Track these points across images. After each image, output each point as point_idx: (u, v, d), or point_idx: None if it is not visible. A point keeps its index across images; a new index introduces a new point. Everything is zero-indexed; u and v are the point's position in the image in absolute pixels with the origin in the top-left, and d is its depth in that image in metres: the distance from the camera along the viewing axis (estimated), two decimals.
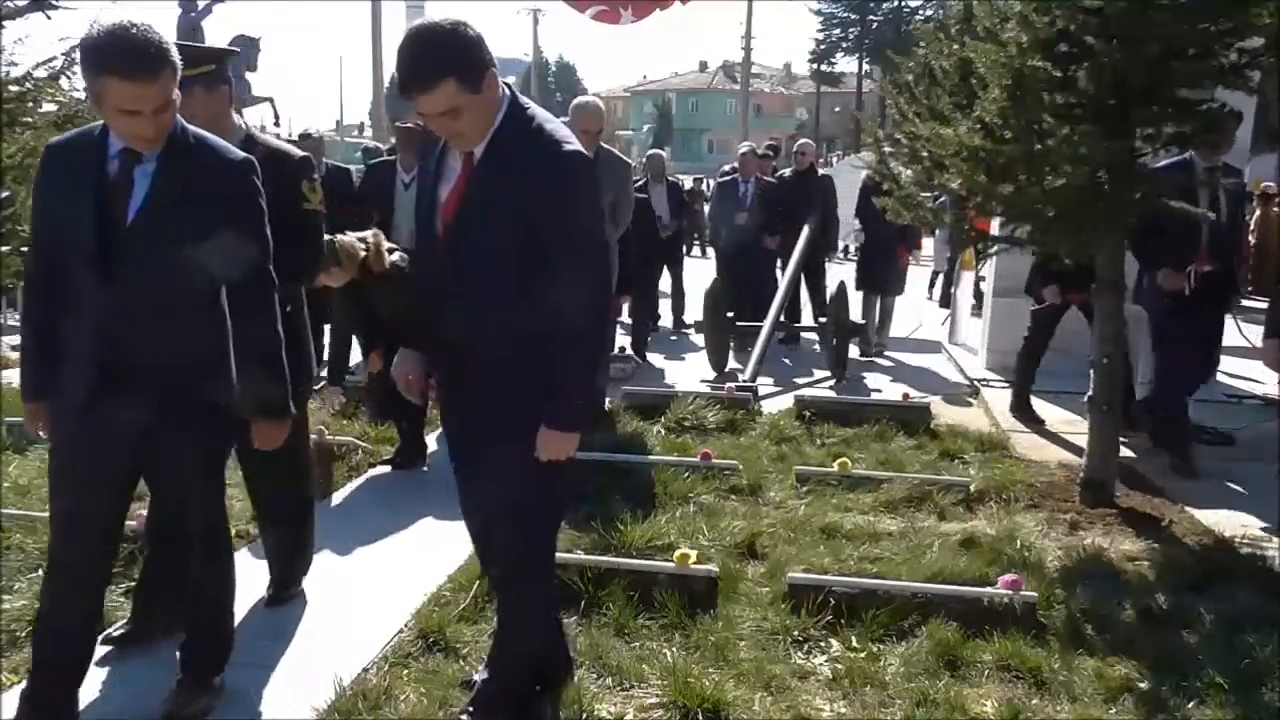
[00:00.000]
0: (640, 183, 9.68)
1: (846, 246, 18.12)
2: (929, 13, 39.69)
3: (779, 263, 8.96)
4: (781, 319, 8.13)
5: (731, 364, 7.67)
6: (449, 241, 2.56)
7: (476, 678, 2.87)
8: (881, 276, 8.77)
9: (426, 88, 2.35)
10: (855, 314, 7.94)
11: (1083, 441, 4.90)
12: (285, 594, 3.58)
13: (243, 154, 2.63)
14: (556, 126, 2.52)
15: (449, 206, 2.56)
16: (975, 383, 7.41)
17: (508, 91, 2.49)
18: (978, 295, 9.47)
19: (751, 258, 8.82)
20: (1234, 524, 4.45)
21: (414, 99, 2.39)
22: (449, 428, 2.85)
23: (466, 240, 2.53)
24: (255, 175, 2.61)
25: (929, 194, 4.97)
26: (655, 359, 8.46)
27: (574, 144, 2.49)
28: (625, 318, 7.92)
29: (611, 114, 68.26)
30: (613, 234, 5.57)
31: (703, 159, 52.56)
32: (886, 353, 8.78)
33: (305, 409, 3.57)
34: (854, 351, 8.00)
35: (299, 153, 3.40)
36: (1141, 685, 3.05)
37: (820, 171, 9.94)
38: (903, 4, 55.57)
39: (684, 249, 9.72)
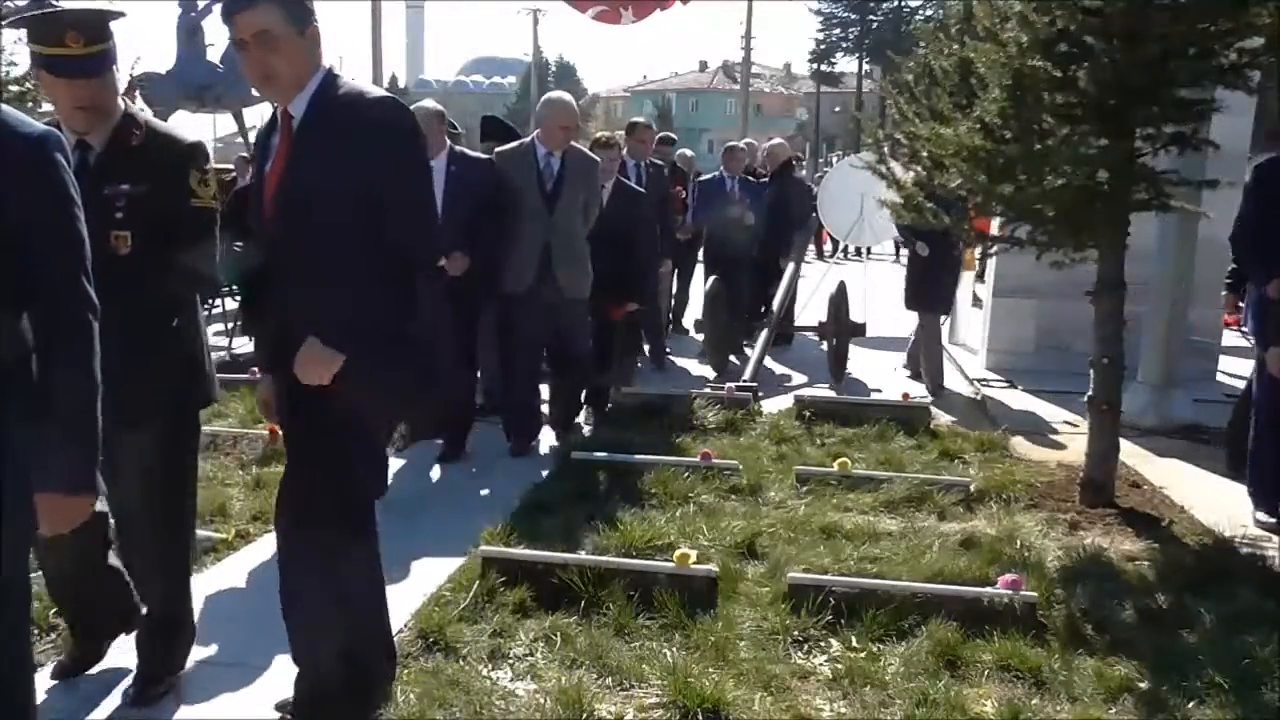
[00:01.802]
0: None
1: (846, 248, 18.17)
2: (929, 13, 39.75)
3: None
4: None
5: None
6: (274, 221, 2.50)
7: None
8: (932, 291, 7.34)
9: (248, 4, 2.34)
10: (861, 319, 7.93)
11: (1082, 441, 4.90)
12: (152, 691, 2.93)
13: (42, 127, 2.00)
14: (370, 87, 2.52)
15: (270, 184, 2.49)
16: (976, 382, 7.41)
17: (328, 66, 2.48)
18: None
19: (740, 256, 8.56)
20: (1234, 524, 4.44)
21: (234, 20, 2.36)
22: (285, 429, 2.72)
23: (291, 216, 2.45)
24: (59, 152, 1.97)
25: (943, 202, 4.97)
26: None
27: (386, 94, 2.51)
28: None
29: (612, 114, 68.44)
30: (583, 231, 5.45)
31: (703, 159, 52.52)
32: (887, 352, 8.76)
33: (196, 444, 3.00)
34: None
35: (188, 139, 2.81)
36: (1141, 685, 3.05)
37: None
38: (903, 4, 55.59)
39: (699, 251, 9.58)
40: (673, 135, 9.45)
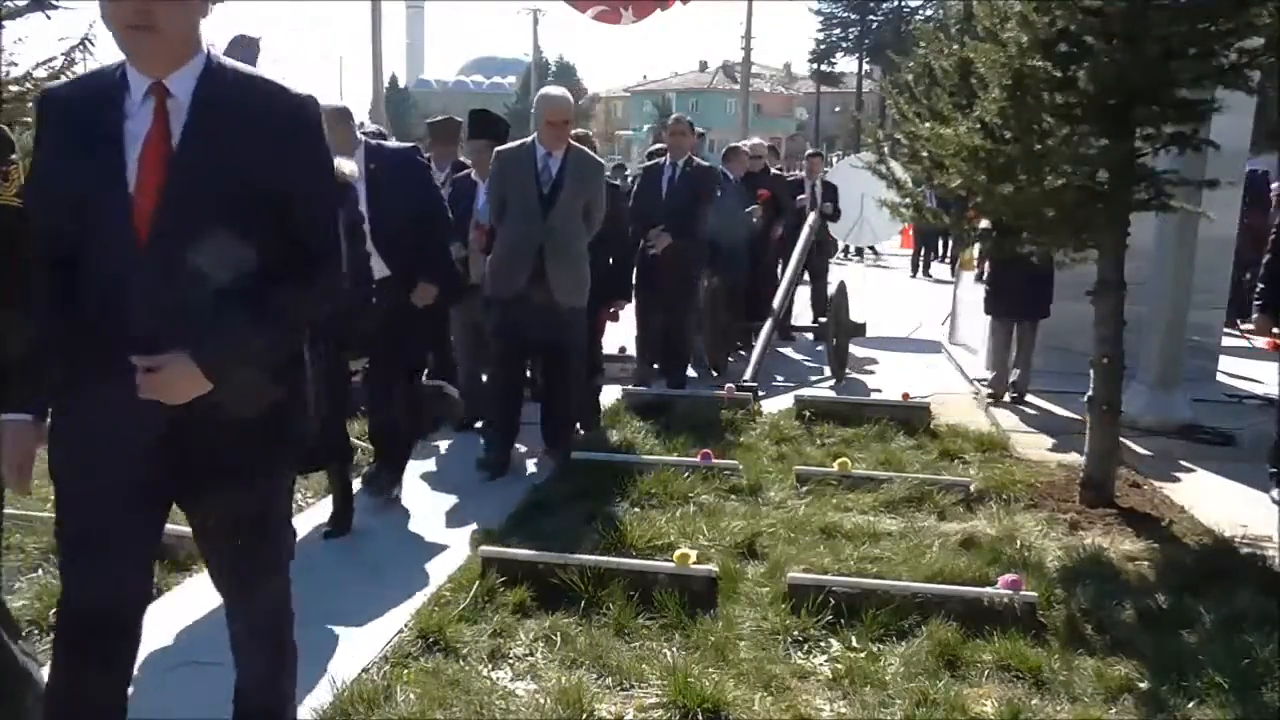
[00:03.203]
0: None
1: (847, 247, 18.17)
2: (929, 13, 39.76)
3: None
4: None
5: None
6: (156, 221, 1.91)
7: None
8: (1019, 298, 6.64)
9: None
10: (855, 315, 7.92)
11: (1082, 441, 4.90)
12: None
13: None
14: (273, 75, 2.10)
15: (150, 175, 1.92)
16: (976, 382, 7.40)
17: (209, 44, 2.01)
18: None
19: (739, 256, 8.20)
20: (1234, 524, 4.45)
21: None
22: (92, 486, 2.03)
23: (181, 217, 1.92)
24: None
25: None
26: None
27: (303, 89, 2.08)
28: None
29: (611, 114, 68.37)
30: (586, 238, 5.15)
31: (703, 159, 52.49)
32: (886, 352, 8.76)
33: None
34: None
35: None
36: (1141, 685, 3.05)
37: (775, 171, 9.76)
38: (903, 4, 55.64)
39: None
40: (701, 130, 8.71)
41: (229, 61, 2.01)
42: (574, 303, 5.11)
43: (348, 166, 3.83)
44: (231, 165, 1.94)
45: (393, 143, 5.07)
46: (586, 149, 5.33)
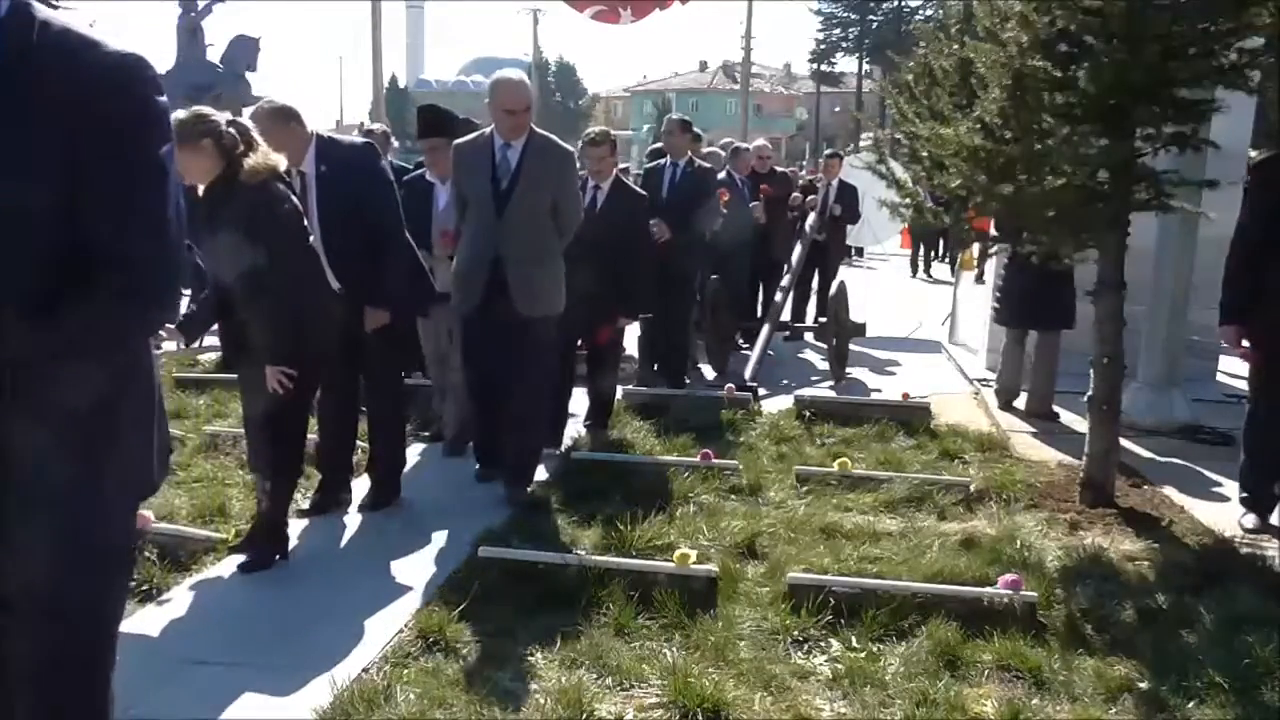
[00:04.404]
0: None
1: (850, 248, 18.14)
2: (929, 13, 39.77)
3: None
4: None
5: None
6: None
7: None
8: (1033, 303, 6.27)
9: None
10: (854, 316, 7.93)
11: (1082, 441, 4.90)
12: None
13: None
14: (93, 30, 1.67)
15: None
16: (976, 382, 7.41)
17: None
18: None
19: (740, 255, 8.20)
20: (1234, 524, 4.45)
21: None
22: None
23: None
24: None
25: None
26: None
27: (125, 46, 1.67)
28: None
29: (611, 114, 68.30)
30: (556, 238, 4.62)
31: (701, 161, 52.36)
32: (887, 352, 8.76)
33: None
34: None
35: None
36: (1141, 685, 3.05)
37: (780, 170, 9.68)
38: (903, 4, 55.68)
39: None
40: (699, 131, 8.23)
41: (38, 7, 1.62)
42: (539, 312, 4.54)
43: (273, 157, 3.68)
44: (35, 139, 1.58)
45: (344, 137, 4.68)
46: (552, 136, 4.67)
